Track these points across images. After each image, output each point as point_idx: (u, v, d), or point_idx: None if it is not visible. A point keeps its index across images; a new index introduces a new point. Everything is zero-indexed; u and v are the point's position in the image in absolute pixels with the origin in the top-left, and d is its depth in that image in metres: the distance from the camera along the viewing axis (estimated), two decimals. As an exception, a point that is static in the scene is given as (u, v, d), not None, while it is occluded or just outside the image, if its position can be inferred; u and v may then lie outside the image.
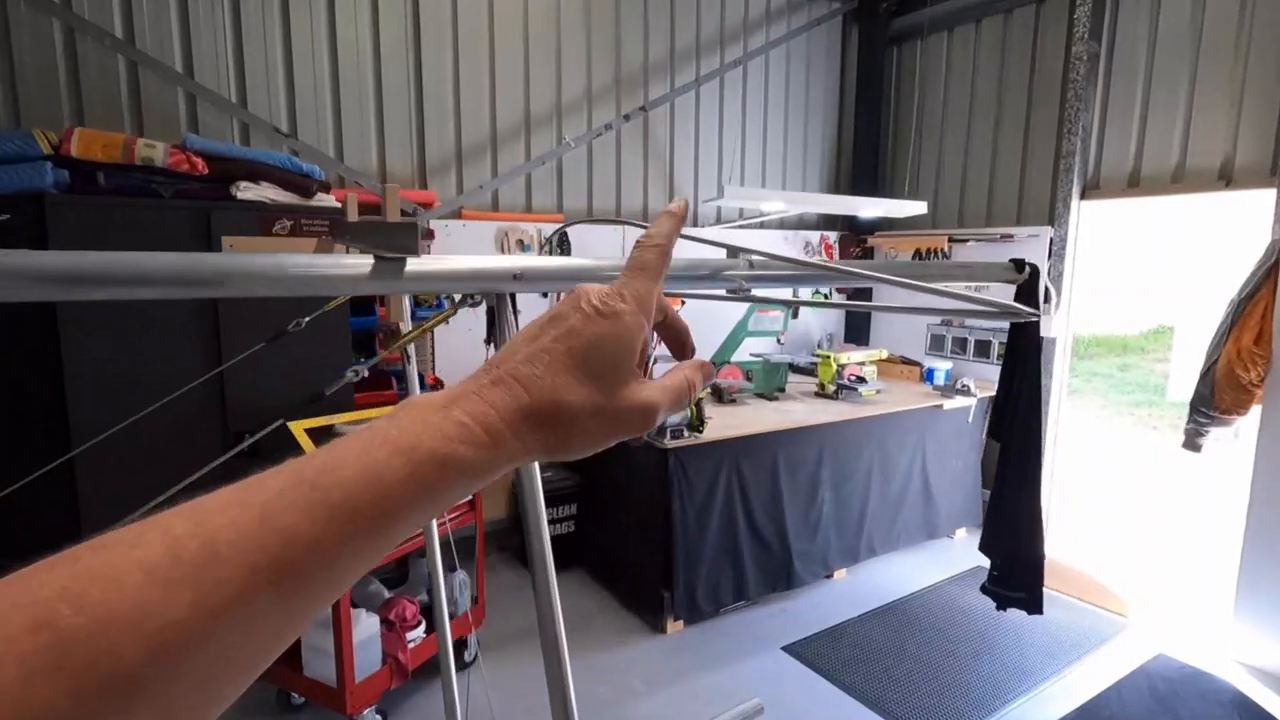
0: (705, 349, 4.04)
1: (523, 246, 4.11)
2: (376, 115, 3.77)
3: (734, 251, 1.32)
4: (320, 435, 2.93)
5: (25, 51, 2.98)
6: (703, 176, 4.95)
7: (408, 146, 3.87)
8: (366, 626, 2.66)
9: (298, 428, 2.91)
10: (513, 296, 1.12)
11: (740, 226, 4.98)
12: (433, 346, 3.89)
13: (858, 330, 5.59)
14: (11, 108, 2.96)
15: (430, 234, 3.73)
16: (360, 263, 0.91)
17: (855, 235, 5.50)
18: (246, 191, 2.90)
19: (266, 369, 2.91)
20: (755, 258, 1.29)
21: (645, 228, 0.45)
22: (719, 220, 5.02)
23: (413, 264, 0.95)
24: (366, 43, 3.70)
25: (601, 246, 4.35)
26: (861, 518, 4.02)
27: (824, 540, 3.86)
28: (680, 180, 4.86)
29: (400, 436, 0.32)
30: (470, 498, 3.10)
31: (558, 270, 1.08)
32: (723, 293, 1.36)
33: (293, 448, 2.94)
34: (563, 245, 4.25)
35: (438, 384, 3.82)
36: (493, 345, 1.11)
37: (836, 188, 5.64)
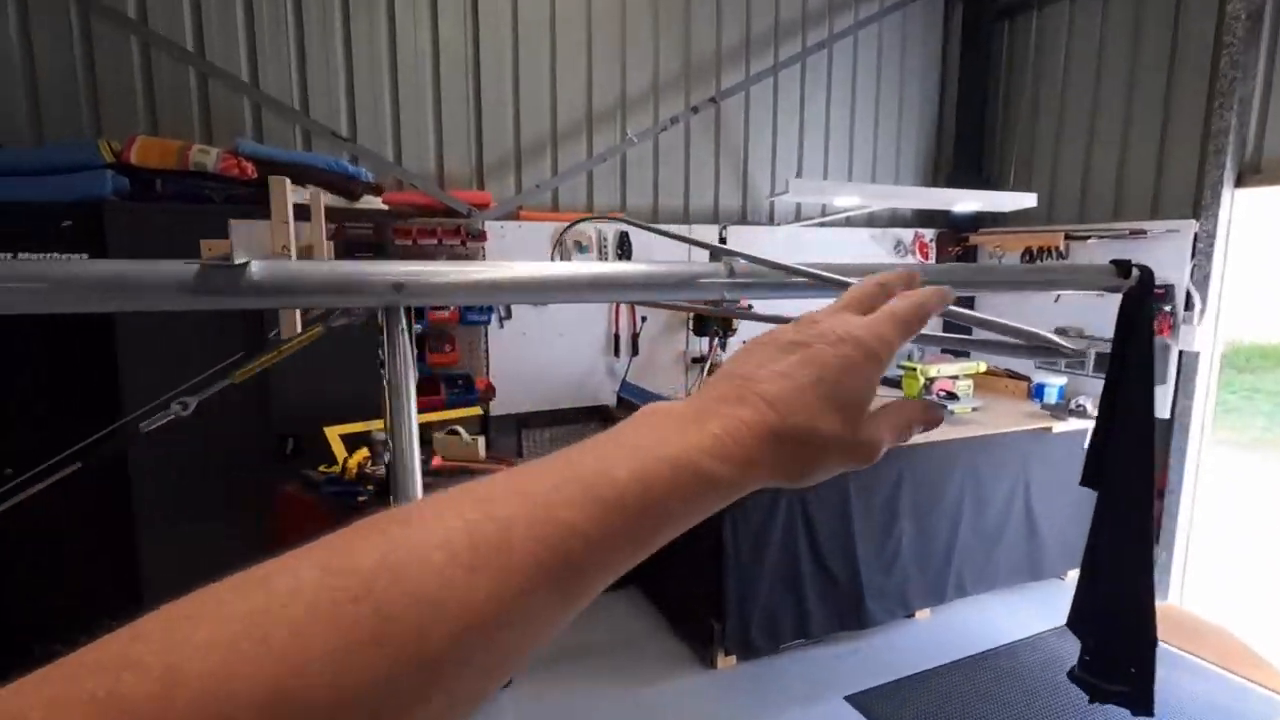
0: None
1: (580, 248, 3.94)
2: (434, 117, 3.73)
3: (716, 253, 1.05)
4: (354, 441, 2.89)
5: (106, 67, 3.13)
6: (781, 171, 4.60)
7: (466, 147, 3.81)
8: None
9: (333, 433, 2.87)
10: (411, 312, 0.92)
11: (821, 223, 4.59)
12: (487, 349, 3.81)
13: (956, 334, 5.02)
14: (94, 119, 3.12)
15: (482, 235, 3.64)
16: (180, 272, 0.73)
17: (955, 233, 4.94)
18: (292, 195, 2.90)
19: (308, 374, 2.89)
20: (740, 263, 1.02)
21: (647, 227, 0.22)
22: (798, 217, 4.65)
23: (258, 270, 0.76)
24: (425, 46, 3.66)
25: (668, 252, 4.11)
26: (949, 552, 3.55)
27: (902, 575, 3.43)
28: (755, 176, 4.54)
29: (659, 446, 0.32)
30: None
31: (456, 282, 0.86)
32: (706, 305, 1.11)
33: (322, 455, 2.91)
34: (622, 247, 4.05)
35: (489, 389, 3.72)
36: (386, 370, 0.91)
37: (935, 180, 5.09)
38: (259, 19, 3.35)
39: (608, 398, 4.11)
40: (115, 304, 0.72)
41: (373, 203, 3.12)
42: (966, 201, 3.94)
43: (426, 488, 2.43)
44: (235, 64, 3.32)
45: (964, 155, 4.88)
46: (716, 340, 3.97)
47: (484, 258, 3.68)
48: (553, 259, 1.44)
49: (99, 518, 2.75)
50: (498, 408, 3.82)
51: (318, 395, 3.04)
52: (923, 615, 3.55)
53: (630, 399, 3.91)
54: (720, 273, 1.02)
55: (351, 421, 3.00)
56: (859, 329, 0.39)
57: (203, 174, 2.82)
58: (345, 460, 2.65)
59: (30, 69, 3.03)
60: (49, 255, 2.58)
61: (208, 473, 2.89)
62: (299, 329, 1.00)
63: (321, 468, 2.78)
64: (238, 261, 0.74)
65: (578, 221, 3.81)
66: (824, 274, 0.92)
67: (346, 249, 2.97)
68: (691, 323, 4.17)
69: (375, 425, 3.02)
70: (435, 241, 3.51)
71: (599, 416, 4.17)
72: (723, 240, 4.30)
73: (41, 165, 2.58)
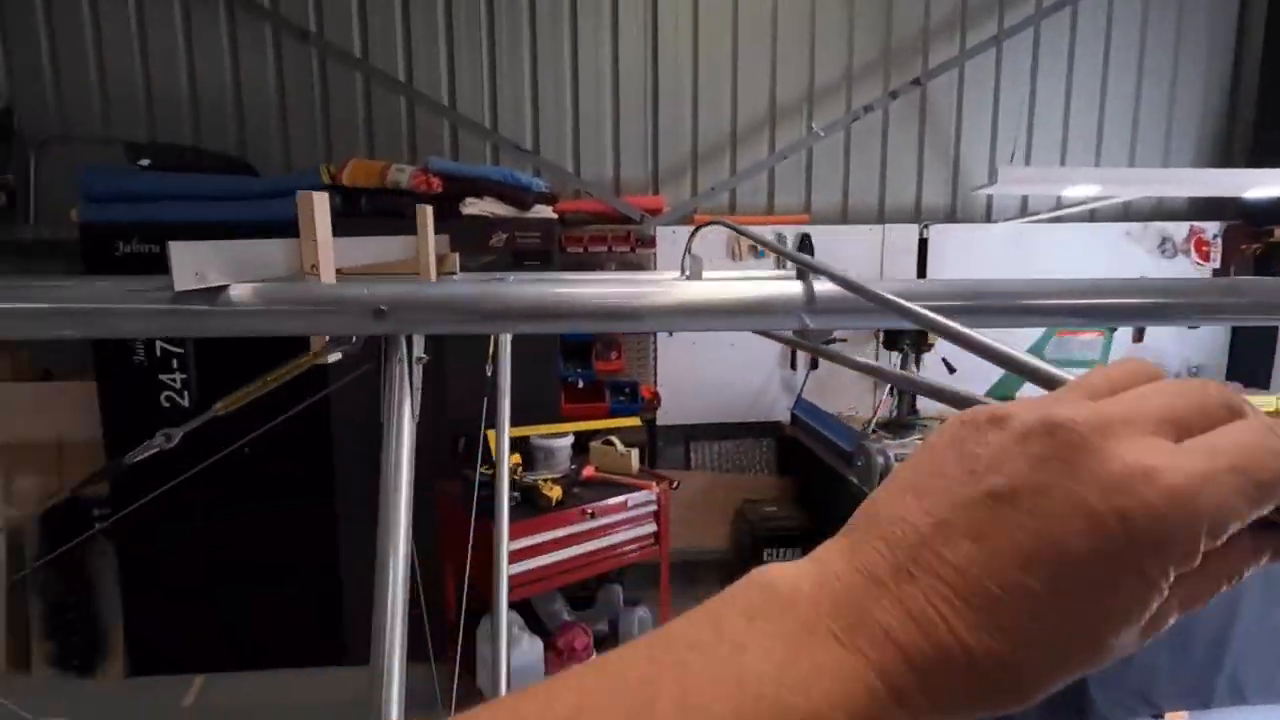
0: (966, 378, 3.15)
1: (756, 253, 3.70)
2: (613, 124, 3.73)
3: (801, 270, 0.81)
4: (512, 444, 2.94)
5: (337, 101, 3.59)
6: (1003, 159, 3.92)
7: (641, 153, 3.76)
8: (529, 651, 2.58)
9: (493, 435, 2.96)
10: (413, 340, 0.81)
11: (1055, 218, 3.82)
12: (655, 357, 3.73)
13: (1249, 358, 3.89)
14: (326, 147, 3.58)
15: (652, 241, 3.57)
16: (155, 295, 0.69)
17: (1251, 227, 3.83)
18: (471, 207, 3.06)
19: (480, 378, 3.01)
20: (825, 286, 0.78)
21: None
22: (1024, 212, 3.93)
23: (238, 293, 0.70)
24: (605, 58, 3.67)
25: (857, 256, 3.71)
26: (1220, 644, 2.72)
27: (1146, 666, 2.69)
28: (969, 166, 3.92)
29: (777, 688, 0.22)
30: (656, 523, 2.84)
31: (447, 299, 0.73)
32: (788, 333, 0.87)
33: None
34: (804, 251, 3.72)
35: (654, 397, 3.64)
36: (386, 415, 0.81)
37: (1228, 158, 4.00)
38: (458, 49, 3.60)
39: (781, 414, 3.81)
40: (91, 332, 0.70)
41: (544, 212, 3.19)
42: (1264, 184, 3.00)
43: (574, 497, 2.36)
44: (437, 90, 3.61)
45: (1271, 127, 3.76)
46: (908, 358, 3.47)
47: (654, 264, 3.61)
48: (683, 269, 1.27)
49: (306, 510, 3.11)
50: (664, 418, 3.73)
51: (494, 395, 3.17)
52: (1176, 718, 2.76)
53: (805, 418, 3.58)
54: (796, 297, 0.78)
55: (522, 424, 3.08)
56: (1162, 488, 0.21)
57: (398, 190, 3.08)
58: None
59: (282, 107, 3.56)
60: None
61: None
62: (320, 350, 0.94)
63: (483, 469, 2.88)
64: (210, 284, 0.68)
65: (707, 224, 3.58)
66: (953, 327, 0.53)
67: (515, 258, 3.07)
68: (882, 334, 3.71)
69: (539, 430, 3.08)
70: (605, 248, 3.51)
71: (771, 434, 3.88)
72: (923, 243, 3.77)
73: (270, 190, 2.99)
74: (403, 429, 0.76)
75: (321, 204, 0.92)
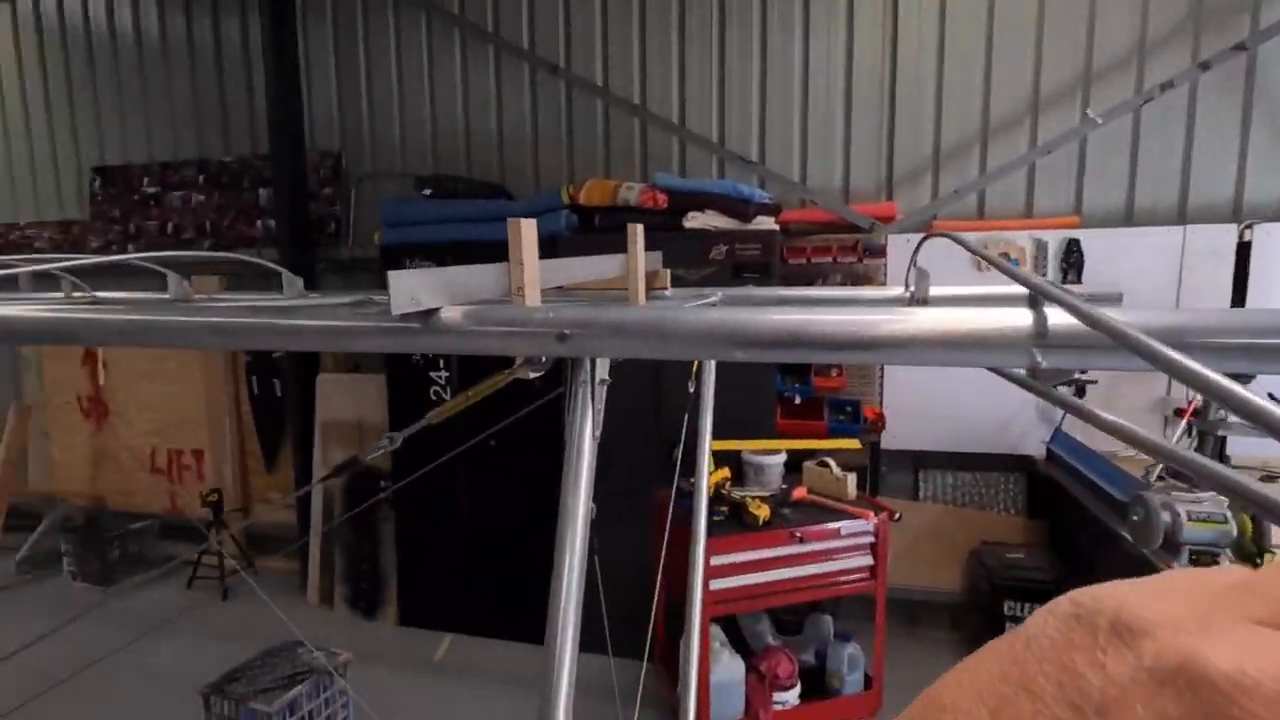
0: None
1: (1011, 261, 3.25)
2: (844, 129, 3.55)
3: (1034, 295, 0.70)
4: (725, 459, 2.94)
5: (580, 127, 3.91)
6: (1378, 134, 2.99)
7: (874, 157, 3.52)
8: (729, 668, 2.54)
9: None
10: (596, 364, 0.82)
11: None
12: (882, 374, 3.47)
13: None
14: (569, 170, 3.92)
15: (882, 251, 3.32)
16: (378, 316, 0.80)
17: None
18: (693, 220, 3.13)
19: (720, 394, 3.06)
20: (1060, 319, 0.66)
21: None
22: None
23: (447, 316, 0.79)
24: (839, 61, 3.51)
25: (1144, 266, 3.09)
26: None
27: None
28: (1321, 147, 3.05)
29: None
30: (872, 555, 2.64)
31: (626, 324, 0.74)
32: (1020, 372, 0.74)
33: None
34: (1070, 262, 3.20)
35: (878, 419, 3.39)
36: (568, 433, 0.83)
37: None
38: (689, 67, 3.71)
39: (1033, 448, 3.30)
40: (331, 346, 0.82)
41: (765, 223, 3.14)
42: None
43: (783, 518, 2.29)
44: (668, 109, 3.76)
45: None
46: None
47: (884, 277, 3.36)
48: (907, 284, 1.18)
49: (542, 490, 3.43)
50: (889, 441, 3.45)
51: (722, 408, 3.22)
52: None
53: (1065, 456, 3.06)
54: (1024, 329, 0.65)
55: (734, 438, 3.07)
56: None
57: (627, 207, 3.26)
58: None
59: (535, 136, 3.98)
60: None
61: (623, 466, 3.33)
62: (520, 370, 1.01)
63: (690, 480, 2.92)
64: (398, 311, 0.77)
65: (931, 236, 3.17)
66: (1237, 393, 0.42)
67: (735, 271, 3.06)
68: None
69: (751, 445, 3.04)
70: (829, 259, 3.35)
71: (1021, 469, 3.39)
72: (1244, 247, 3.02)
73: (520, 211, 3.34)
74: (583, 449, 0.78)
75: (529, 230, 0.98)
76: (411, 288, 0.73)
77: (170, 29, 4.47)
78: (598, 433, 0.81)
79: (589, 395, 0.80)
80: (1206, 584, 0.19)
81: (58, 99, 4.77)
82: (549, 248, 3.26)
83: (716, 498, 2.65)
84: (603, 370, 0.81)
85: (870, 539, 2.60)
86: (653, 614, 2.83)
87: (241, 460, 4.56)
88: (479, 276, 0.91)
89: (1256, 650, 0.16)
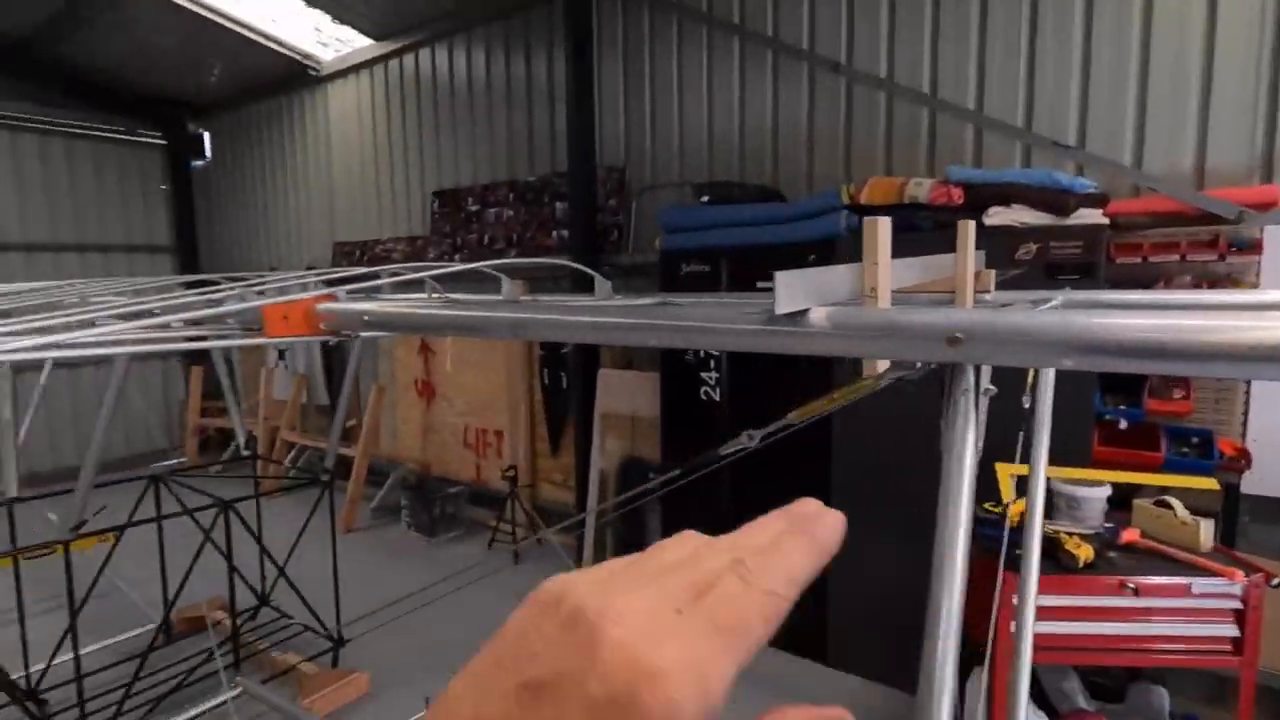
0: None
1: None
2: (1200, 98, 2.91)
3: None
4: (1026, 483, 2.59)
5: (859, 123, 3.75)
6: None
7: (1244, 130, 2.83)
8: (1031, 725, 2.23)
9: (1004, 470, 2.67)
10: (979, 370, 0.76)
11: None
12: (1247, 399, 2.78)
13: None
14: (846, 169, 3.78)
15: (1256, 246, 2.65)
16: (756, 315, 0.83)
17: None
18: (995, 216, 2.81)
19: (1005, 404, 2.75)
20: None
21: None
22: None
23: (817, 317, 0.79)
24: (1196, 14, 2.89)
25: None
26: None
27: None
28: None
29: None
30: (1238, 626, 2.13)
31: (1029, 330, 0.67)
32: None
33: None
34: None
35: (1240, 454, 2.73)
36: (946, 446, 0.77)
37: None
38: (990, 43, 3.34)
39: None
40: (704, 343, 0.87)
41: (1088, 217, 2.70)
42: None
43: (1109, 563, 2.00)
44: (963, 95, 3.43)
45: None
46: None
47: (1257, 279, 2.70)
48: None
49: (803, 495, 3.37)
50: (1255, 484, 2.76)
51: (1019, 425, 2.89)
52: None
53: None
54: None
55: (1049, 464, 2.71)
56: (663, 699, 0.22)
57: (916, 205, 3.04)
58: (1007, 504, 2.42)
59: (810, 137, 3.91)
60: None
61: (899, 478, 3.13)
62: (880, 372, 0.96)
63: (987, 505, 2.62)
64: (781, 312, 0.77)
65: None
66: None
67: (1047, 272, 2.68)
68: None
69: (1065, 473, 2.64)
70: (1175, 257, 2.78)
71: None
72: None
73: (799, 214, 3.30)
74: (964, 464, 0.72)
75: (885, 229, 0.94)
76: (792, 288, 0.74)
77: (493, 72, 5.24)
78: (980, 447, 0.74)
79: (971, 405, 0.74)
80: (641, 562, 0.28)
81: (411, 137, 5.88)
82: (826, 251, 3.18)
83: (1018, 528, 2.34)
84: (986, 378, 0.74)
85: (1235, 604, 2.09)
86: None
87: (531, 442, 5.18)
88: (833, 277, 0.90)
89: (618, 593, 0.25)
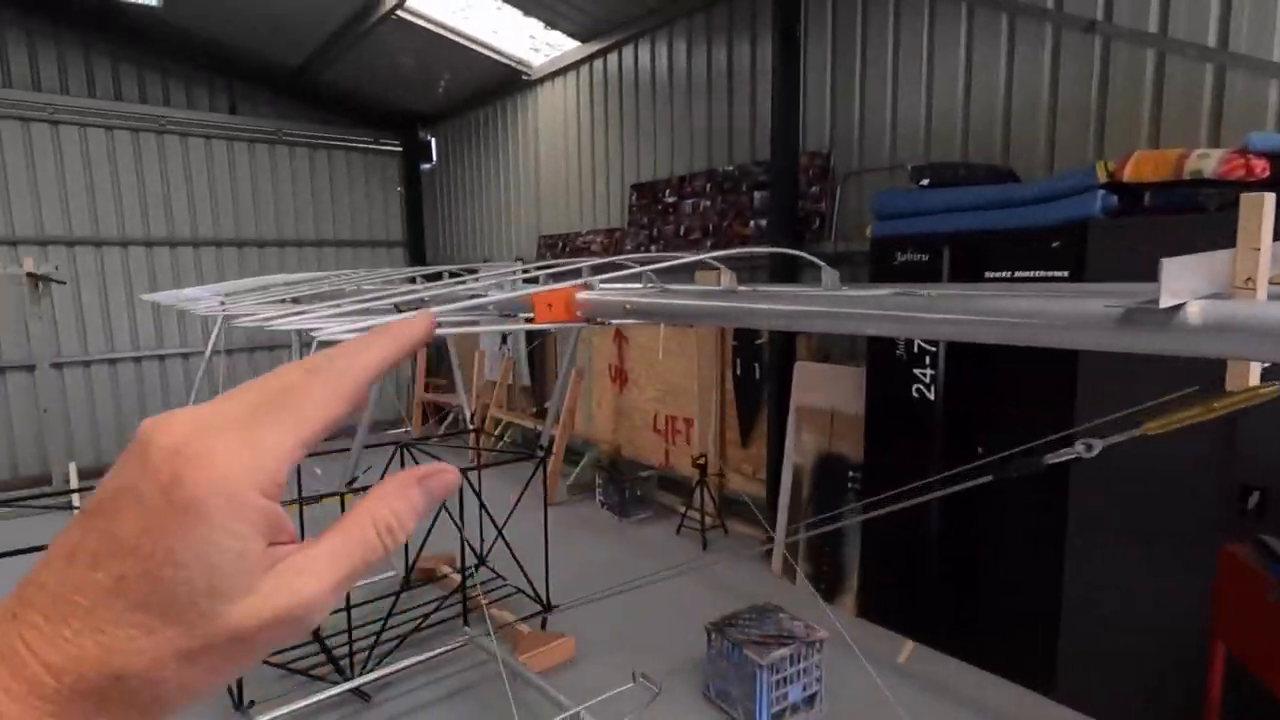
0: None
1: None
2: None
3: None
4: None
5: (1116, 89, 3.25)
6: None
7: None
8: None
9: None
10: None
11: None
12: None
13: None
14: (1098, 144, 3.31)
15: None
16: (1099, 314, 0.74)
17: None
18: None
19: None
20: None
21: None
22: None
23: (1195, 313, 0.69)
24: None
25: None
26: None
27: None
28: None
29: None
30: None
31: None
32: None
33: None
34: None
35: None
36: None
37: None
38: (1311, -22, 2.74)
39: None
40: (1034, 339, 0.78)
41: None
42: None
43: None
44: (1266, 46, 2.84)
45: None
46: None
47: None
48: None
49: (1035, 517, 3.03)
50: None
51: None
52: None
53: None
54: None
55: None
56: (175, 465, 0.25)
57: (1198, 181, 2.58)
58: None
59: (1052, 108, 3.47)
60: (1037, 274, 2.95)
61: (1149, 504, 2.72)
62: (1253, 382, 0.81)
63: (1291, 539, 2.17)
64: (1165, 305, 0.67)
65: None
66: None
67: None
68: None
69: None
70: None
71: None
72: None
73: (1042, 195, 2.94)
74: None
75: (1269, 206, 0.79)
76: (1178, 279, 0.64)
77: (694, 65, 5.28)
78: None
79: None
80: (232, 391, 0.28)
81: (612, 132, 6.13)
82: (1073, 237, 2.82)
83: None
84: None
85: None
86: (1209, 687, 2.23)
87: (721, 432, 5.20)
88: (1202, 265, 0.77)
89: (182, 413, 0.26)
